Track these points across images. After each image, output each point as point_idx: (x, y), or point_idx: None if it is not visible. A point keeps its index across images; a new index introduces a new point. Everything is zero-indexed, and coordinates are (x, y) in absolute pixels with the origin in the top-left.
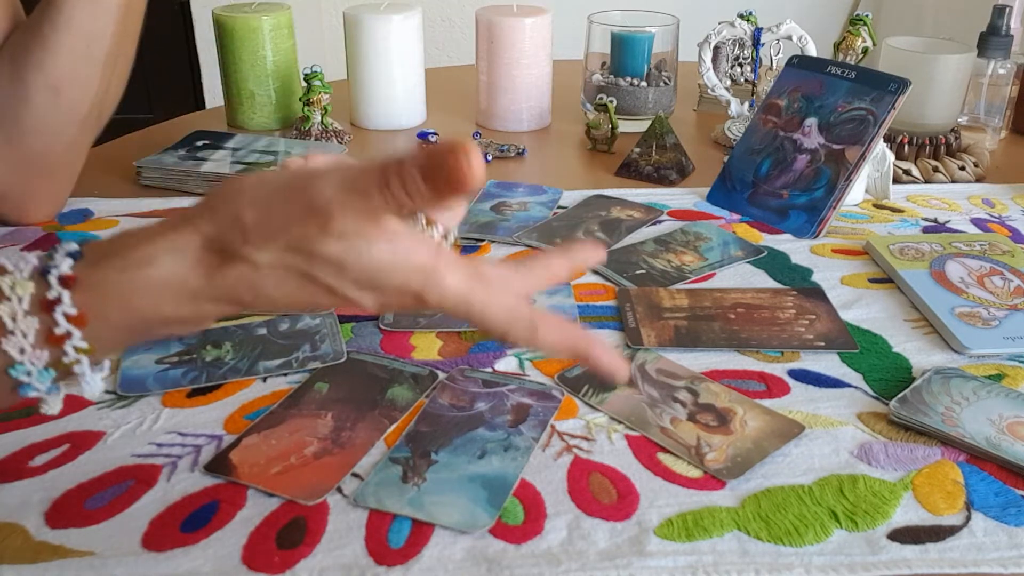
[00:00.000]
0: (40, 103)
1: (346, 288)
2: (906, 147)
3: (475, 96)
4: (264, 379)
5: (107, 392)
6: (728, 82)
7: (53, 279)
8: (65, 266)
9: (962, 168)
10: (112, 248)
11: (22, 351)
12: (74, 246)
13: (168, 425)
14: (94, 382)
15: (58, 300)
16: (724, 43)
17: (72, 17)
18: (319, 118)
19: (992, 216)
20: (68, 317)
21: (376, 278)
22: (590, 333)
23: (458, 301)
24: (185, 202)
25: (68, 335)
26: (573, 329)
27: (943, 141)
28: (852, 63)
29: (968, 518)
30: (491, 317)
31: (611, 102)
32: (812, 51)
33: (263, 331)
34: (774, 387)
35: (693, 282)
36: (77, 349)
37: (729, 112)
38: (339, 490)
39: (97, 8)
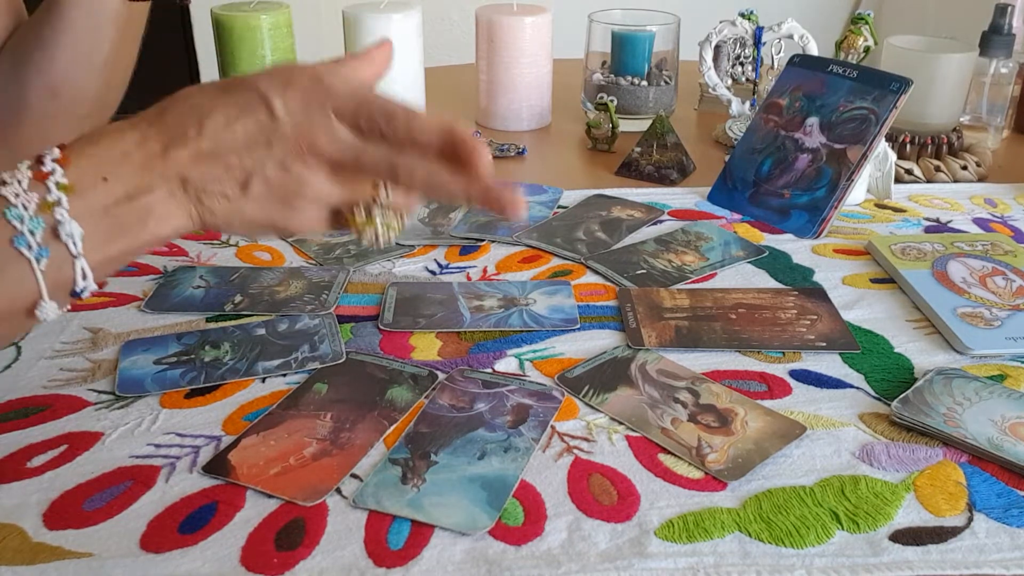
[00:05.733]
0: (38, 104)
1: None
2: (908, 146)
3: (475, 95)
4: (263, 380)
5: (105, 393)
6: (729, 81)
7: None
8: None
9: (964, 168)
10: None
11: (16, 195)
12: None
13: (166, 426)
14: (73, 229)
15: (44, 155)
16: (725, 42)
17: (72, 21)
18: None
19: (994, 216)
20: (54, 160)
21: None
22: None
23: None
24: None
25: (52, 172)
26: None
27: (945, 140)
28: (854, 62)
29: (970, 519)
30: None
31: (611, 101)
32: (813, 50)
33: (262, 331)
34: (775, 388)
35: (694, 282)
36: (59, 185)
37: (730, 111)
38: (338, 491)
39: (97, 13)
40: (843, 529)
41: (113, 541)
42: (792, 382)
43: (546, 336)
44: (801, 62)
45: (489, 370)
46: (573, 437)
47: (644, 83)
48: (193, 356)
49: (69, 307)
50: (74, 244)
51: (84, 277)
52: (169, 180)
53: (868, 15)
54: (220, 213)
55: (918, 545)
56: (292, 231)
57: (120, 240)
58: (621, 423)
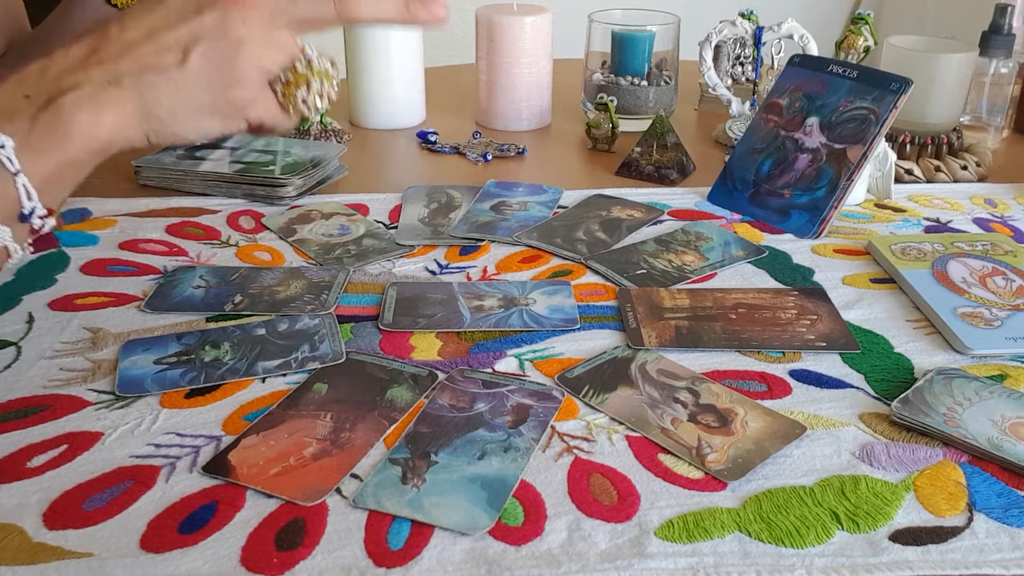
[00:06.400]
0: None
1: None
2: (908, 146)
3: (475, 95)
4: (263, 380)
5: (105, 393)
6: (729, 81)
7: None
8: None
9: (964, 168)
10: None
11: None
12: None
13: (166, 426)
14: (4, 140)
15: None
16: (725, 42)
17: (80, 21)
18: (318, 117)
19: (994, 216)
20: None
21: None
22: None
23: None
24: (184, 201)
25: None
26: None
27: (945, 140)
28: (854, 62)
29: (970, 519)
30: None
31: (611, 101)
32: (814, 50)
33: (262, 331)
34: (775, 388)
35: (694, 282)
36: None
37: (730, 111)
38: (338, 491)
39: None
40: (843, 529)
41: (113, 541)
42: (792, 382)
43: (546, 336)
44: (801, 62)
45: (489, 370)
46: (573, 437)
47: (644, 83)
48: (193, 356)
49: (31, 244)
50: (10, 161)
51: (29, 197)
52: (93, 77)
53: (868, 15)
54: (165, 98)
55: (918, 545)
56: (239, 107)
57: (54, 148)
58: (621, 423)
